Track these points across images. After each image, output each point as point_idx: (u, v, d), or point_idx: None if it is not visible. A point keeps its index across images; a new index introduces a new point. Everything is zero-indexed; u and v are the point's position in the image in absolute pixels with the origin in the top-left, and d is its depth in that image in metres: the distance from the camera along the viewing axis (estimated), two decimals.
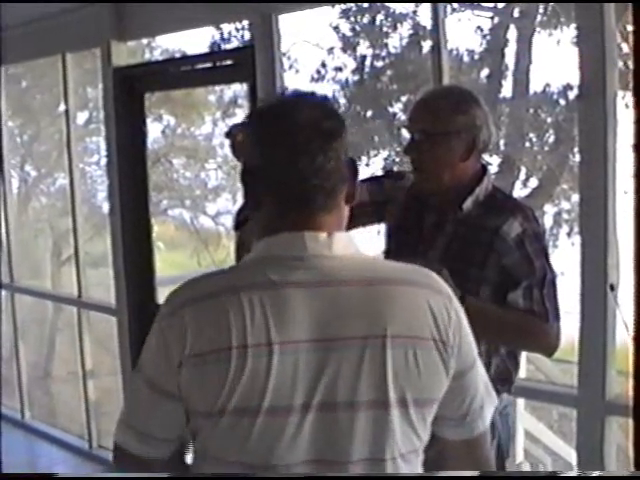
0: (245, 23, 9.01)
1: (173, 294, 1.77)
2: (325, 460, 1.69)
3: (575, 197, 9.10)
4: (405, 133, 2.94)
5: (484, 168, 2.85)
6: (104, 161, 6.84)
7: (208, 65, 5.24)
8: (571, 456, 5.89)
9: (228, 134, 2.77)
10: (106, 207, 7.63)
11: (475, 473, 1.90)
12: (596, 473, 3.32)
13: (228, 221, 13.14)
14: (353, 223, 1.88)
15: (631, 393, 2.17)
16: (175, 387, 1.69)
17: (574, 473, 3.70)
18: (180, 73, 5.38)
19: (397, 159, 9.81)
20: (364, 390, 1.67)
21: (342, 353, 1.67)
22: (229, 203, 12.90)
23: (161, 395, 1.72)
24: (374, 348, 1.67)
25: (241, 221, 2.63)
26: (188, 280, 1.79)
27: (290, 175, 1.71)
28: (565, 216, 9.44)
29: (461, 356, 1.76)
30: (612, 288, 3.26)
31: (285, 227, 1.73)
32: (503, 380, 2.77)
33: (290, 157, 1.70)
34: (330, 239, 1.73)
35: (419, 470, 1.79)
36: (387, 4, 9.12)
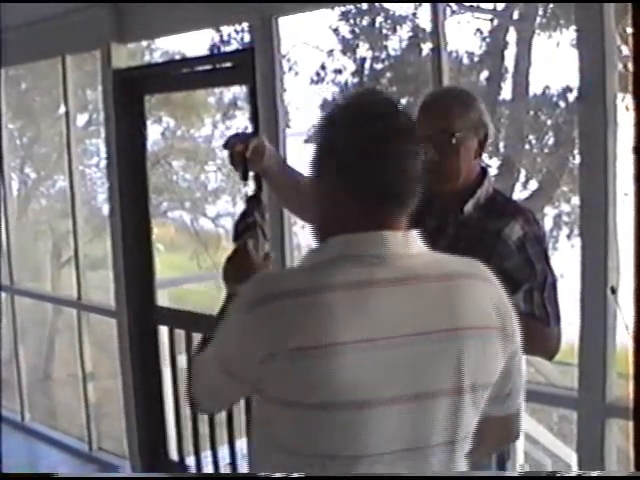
0: (245, 25, 9.03)
1: (254, 287, 1.82)
2: (410, 448, 1.78)
3: (575, 199, 9.11)
4: None
5: (484, 170, 2.85)
6: (104, 163, 6.85)
7: (208, 67, 5.24)
8: (571, 458, 5.89)
9: (226, 145, 2.76)
10: (106, 209, 7.63)
11: (475, 473, 1.96)
12: (595, 473, 3.32)
13: (228, 223, 13.14)
14: None
15: (631, 394, 2.16)
16: (249, 374, 1.78)
17: (574, 473, 3.69)
18: (180, 75, 5.38)
19: None
20: (445, 379, 1.77)
21: (427, 346, 1.76)
22: (229, 205, 12.92)
23: (229, 376, 1.84)
24: (454, 339, 1.77)
25: (240, 232, 2.63)
26: (263, 275, 1.92)
27: (380, 176, 1.77)
28: (565, 218, 9.45)
29: (514, 341, 1.87)
30: (613, 291, 3.25)
31: (365, 226, 1.78)
32: None
33: (382, 159, 1.76)
34: (406, 237, 1.81)
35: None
36: (386, 6, 9.13)
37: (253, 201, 2.50)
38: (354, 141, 1.78)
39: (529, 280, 2.67)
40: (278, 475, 1.79)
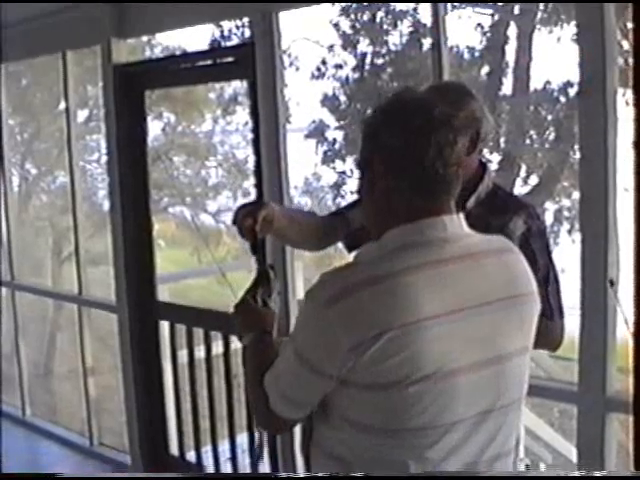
0: (245, 20, 9.03)
1: (324, 286, 1.92)
2: (488, 410, 1.96)
3: (576, 194, 9.11)
4: None
5: (484, 165, 2.85)
6: (104, 159, 6.84)
7: (208, 62, 5.24)
8: (572, 453, 5.90)
9: (235, 220, 2.74)
10: (106, 205, 7.63)
11: (474, 473, 1.99)
12: (598, 473, 3.32)
13: (228, 219, 13.12)
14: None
15: (631, 391, 2.17)
16: (334, 367, 1.88)
17: (577, 473, 3.69)
18: (180, 70, 5.38)
19: None
20: (513, 341, 1.99)
21: (494, 314, 1.96)
22: (230, 200, 12.92)
23: (316, 375, 1.93)
24: (514, 306, 2.00)
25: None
26: (329, 274, 1.96)
27: (426, 164, 1.91)
28: (566, 213, 9.45)
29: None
30: (612, 283, 3.25)
31: (421, 214, 1.94)
32: None
33: (425, 148, 1.91)
34: (459, 219, 1.99)
35: None
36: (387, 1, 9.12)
37: (261, 278, 2.46)
38: (399, 135, 1.93)
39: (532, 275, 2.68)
40: (283, 475, 1.88)
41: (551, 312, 2.70)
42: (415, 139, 1.91)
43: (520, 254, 2.11)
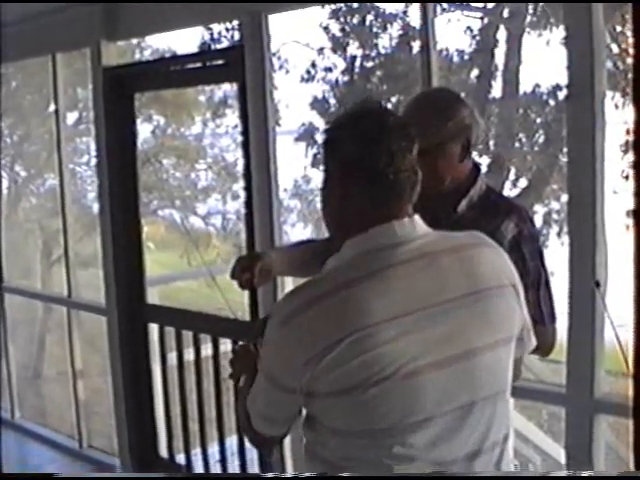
0: (235, 23, 9.03)
1: (282, 305, 2.02)
2: (462, 406, 1.97)
3: (564, 197, 9.14)
4: None
5: (477, 167, 2.84)
6: (94, 161, 6.84)
7: (198, 65, 5.24)
8: (560, 455, 5.91)
9: (233, 275, 2.79)
10: (96, 207, 7.61)
11: (475, 473, 2.02)
12: (586, 473, 3.33)
13: (218, 221, 13.14)
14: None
15: (631, 394, 2.18)
16: (294, 382, 1.93)
17: (564, 473, 3.71)
18: (171, 73, 5.37)
19: None
20: (479, 337, 1.98)
21: (455, 311, 1.96)
22: (219, 203, 12.92)
23: (282, 391, 1.99)
24: (477, 301, 1.99)
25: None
26: (291, 292, 2.04)
27: (376, 171, 1.95)
28: (555, 216, 9.48)
29: (520, 292, 2.12)
30: (598, 285, 3.26)
31: (374, 221, 1.98)
32: None
33: (376, 156, 1.95)
34: (412, 222, 2.00)
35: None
36: (377, 4, 9.14)
37: (261, 326, 2.48)
38: (351, 142, 1.97)
39: (523, 279, 2.66)
40: (288, 475, 1.92)
41: (542, 316, 2.70)
42: (366, 146, 1.95)
43: (492, 246, 2.13)
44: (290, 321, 1.93)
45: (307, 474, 2.10)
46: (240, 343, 2.50)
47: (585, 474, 3.31)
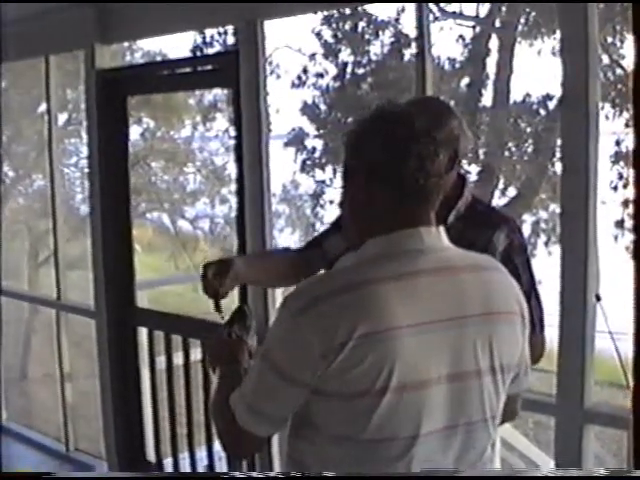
0: (227, 28, 9.04)
1: (298, 294, 1.97)
2: (453, 425, 1.97)
3: (552, 207, 9.17)
4: None
5: (463, 179, 2.84)
6: (82, 163, 6.83)
7: (191, 70, 5.24)
8: (546, 463, 5.93)
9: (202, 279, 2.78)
10: (84, 209, 7.60)
11: (475, 473, 2.04)
12: (582, 473, 3.33)
13: (206, 225, 13.13)
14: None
15: (631, 390, 2.19)
16: (306, 375, 1.91)
17: (559, 472, 3.71)
18: (164, 77, 5.37)
19: None
20: (481, 359, 1.97)
21: (465, 328, 1.96)
22: (207, 207, 12.91)
23: (289, 383, 1.93)
24: (487, 323, 1.99)
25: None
26: (306, 282, 2.05)
27: (406, 175, 1.94)
28: (543, 225, 9.51)
29: (527, 324, 2.12)
30: (598, 298, 3.27)
31: (400, 224, 1.97)
32: None
33: (406, 159, 1.93)
34: (438, 232, 2.01)
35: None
36: (369, 11, 9.17)
37: (237, 316, 2.51)
38: (380, 145, 1.97)
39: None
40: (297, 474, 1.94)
41: (533, 326, 2.71)
42: (396, 150, 1.94)
43: (505, 273, 2.11)
44: (308, 311, 1.90)
45: (300, 473, 2.07)
46: (212, 334, 2.46)
47: (582, 474, 3.31)
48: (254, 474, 4.24)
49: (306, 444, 2.03)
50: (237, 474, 4.72)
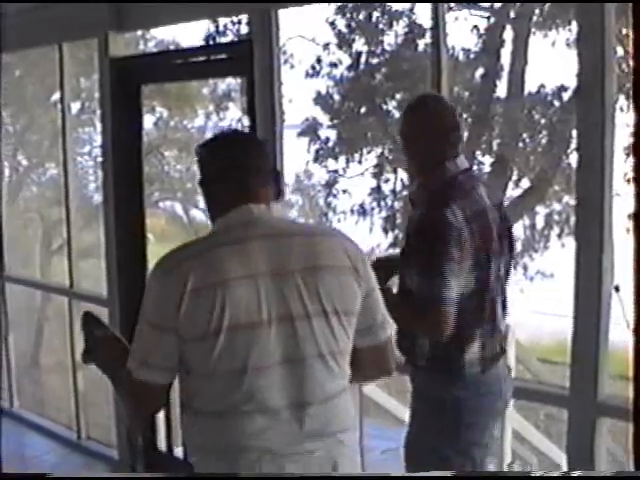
0: (241, 17, 9.02)
1: (166, 257, 2.45)
2: (289, 359, 2.37)
3: (566, 199, 9.13)
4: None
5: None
6: (95, 152, 6.83)
7: (205, 58, 5.23)
8: (557, 456, 5.92)
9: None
10: (97, 198, 7.61)
11: (474, 473, 2.02)
12: (584, 473, 3.32)
13: None
14: None
15: (632, 390, 2.17)
16: (170, 321, 2.33)
17: (563, 472, 3.70)
18: (177, 65, 5.37)
19: (390, 156, 9.83)
20: (310, 303, 2.37)
21: (292, 279, 2.38)
22: None
23: (160, 331, 2.36)
24: (312, 274, 2.39)
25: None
26: (170, 251, 2.48)
27: (228, 168, 2.50)
28: (556, 217, 9.47)
29: (366, 281, 2.48)
30: (617, 289, 3.27)
31: (234, 205, 2.46)
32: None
33: (227, 159, 2.52)
34: (267, 207, 2.49)
35: (347, 369, 2.48)
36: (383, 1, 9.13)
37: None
38: (209, 152, 2.58)
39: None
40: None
41: (425, 299, 3.03)
42: (218, 153, 2.55)
43: (350, 240, 2.52)
44: (172, 272, 2.37)
45: (300, 473, 2.37)
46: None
47: (584, 474, 3.30)
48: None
49: (189, 414, 2.47)
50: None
